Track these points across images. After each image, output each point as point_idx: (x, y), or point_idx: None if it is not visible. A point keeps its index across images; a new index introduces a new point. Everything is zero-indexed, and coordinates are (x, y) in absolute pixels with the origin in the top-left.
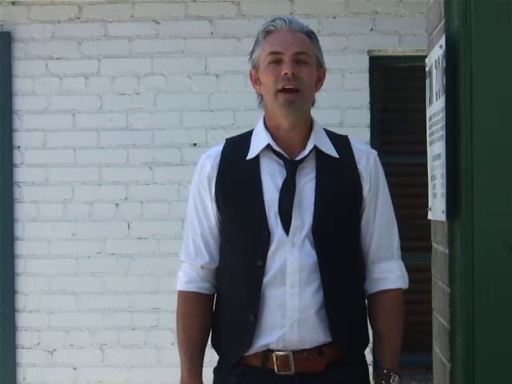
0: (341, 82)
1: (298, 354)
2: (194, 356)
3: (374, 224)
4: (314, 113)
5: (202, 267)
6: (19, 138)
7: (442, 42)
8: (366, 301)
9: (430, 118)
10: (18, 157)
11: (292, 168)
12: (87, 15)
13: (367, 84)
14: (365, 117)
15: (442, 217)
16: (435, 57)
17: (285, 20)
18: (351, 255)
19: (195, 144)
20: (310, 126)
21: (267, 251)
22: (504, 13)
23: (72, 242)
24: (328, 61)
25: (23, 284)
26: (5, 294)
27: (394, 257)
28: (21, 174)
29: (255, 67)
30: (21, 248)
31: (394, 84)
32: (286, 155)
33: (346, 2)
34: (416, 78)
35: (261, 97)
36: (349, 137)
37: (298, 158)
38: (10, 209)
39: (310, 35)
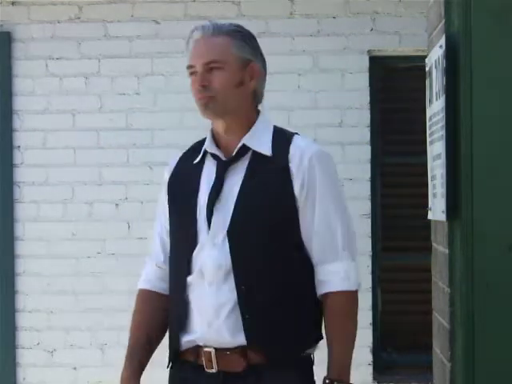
0: (341, 82)
1: (220, 351)
2: (134, 354)
3: (313, 224)
4: (314, 113)
5: (158, 266)
6: (19, 138)
7: (442, 41)
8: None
9: (430, 118)
10: (17, 157)
11: (220, 168)
12: (87, 15)
13: (367, 84)
14: (365, 117)
15: (442, 217)
16: (435, 57)
17: (202, 27)
18: (278, 256)
19: None
20: (250, 126)
21: (192, 252)
22: (504, 13)
23: (72, 241)
24: (328, 61)
25: (23, 284)
26: (5, 294)
27: (338, 258)
28: (21, 174)
29: None
30: (21, 248)
31: (394, 84)
32: (220, 156)
33: (346, 2)
34: (416, 78)
35: None
36: (296, 135)
37: (226, 159)
38: (9, 209)
39: (232, 34)
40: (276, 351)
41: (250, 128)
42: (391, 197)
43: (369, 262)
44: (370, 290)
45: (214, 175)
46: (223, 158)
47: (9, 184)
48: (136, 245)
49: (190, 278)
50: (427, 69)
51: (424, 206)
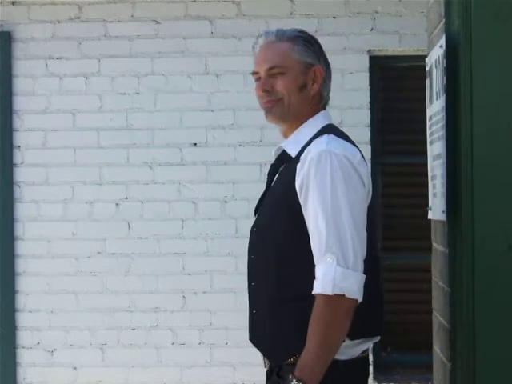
0: (341, 82)
1: None
2: None
3: (309, 227)
4: None
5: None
6: (19, 138)
7: (442, 41)
8: None
9: (430, 118)
10: (18, 157)
11: (270, 172)
12: (87, 15)
13: (367, 84)
14: (365, 117)
15: (442, 217)
16: (435, 56)
17: (265, 34)
18: (278, 259)
19: (195, 144)
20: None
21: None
22: (504, 13)
23: (72, 241)
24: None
25: (23, 284)
26: (5, 294)
27: (319, 261)
28: (21, 174)
29: None
30: (21, 248)
31: (393, 84)
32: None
33: (346, 1)
34: (416, 77)
35: None
36: (322, 136)
37: (274, 162)
38: (9, 209)
39: (294, 39)
40: (275, 358)
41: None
42: (391, 197)
43: None
44: None
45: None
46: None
47: (9, 184)
48: (136, 245)
49: None
50: (427, 68)
51: (424, 206)
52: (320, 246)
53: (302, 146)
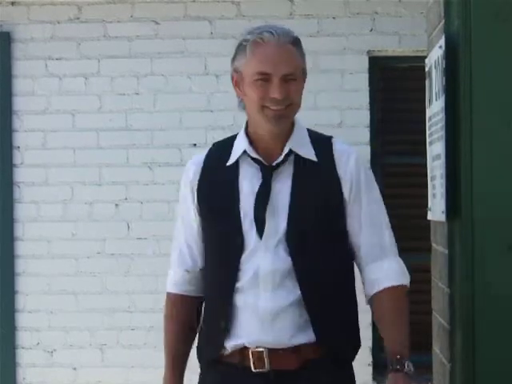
0: (340, 83)
1: (273, 351)
2: (176, 364)
3: (361, 225)
4: (314, 113)
5: (187, 271)
6: (19, 139)
7: (442, 42)
8: (370, 304)
9: (430, 119)
10: (17, 157)
11: (267, 173)
12: (87, 15)
13: (367, 84)
14: (364, 117)
15: (442, 217)
16: (435, 57)
17: (272, 32)
18: (333, 257)
19: (195, 144)
20: (291, 129)
21: (240, 257)
22: (504, 13)
23: (72, 242)
24: (328, 61)
25: (23, 284)
26: (5, 294)
27: (387, 255)
28: (21, 175)
29: (237, 73)
30: (21, 248)
31: (393, 84)
32: (263, 161)
33: (346, 2)
34: (416, 78)
35: (241, 99)
36: (332, 138)
37: (273, 164)
38: (9, 209)
39: (296, 43)
40: (338, 350)
41: (289, 131)
42: (391, 197)
43: None
44: None
45: (258, 180)
46: (265, 163)
47: (9, 184)
48: (136, 245)
49: (239, 284)
50: (427, 69)
51: (424, 206)
52: (384, 242)
53: (312, 150)
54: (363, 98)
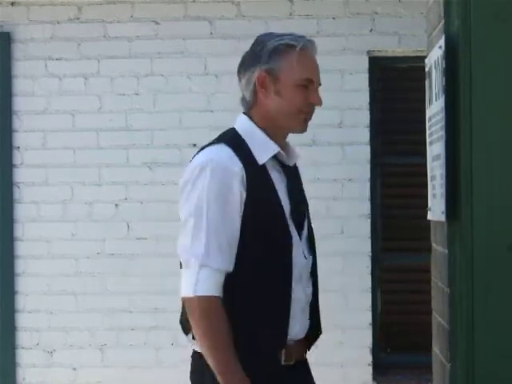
0: (340, 83)
1: (297, 343)
2: (235, 353)
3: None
4: (314, 113)
5: (226, 272)
6: (19, 139)
7: (442, 42)
8: None
9: (430, 119)
10: (17, 157)
11: (291, 173)
12: (87, 16)
13: (367, 84)
14: (364, 117)
15: (442, 217)
16: (435, 57)
17: (310, 41)
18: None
19: (195, 144)
20: None
21: (291, 254)
22: (504, 13)
23: (72, 242)
24: (328, 61)
25: (23, 284)
26: (5, 294)
27: None
28: (20, 175)
29: (271, 75)
30: (21, 248)
31: (393, 84)
32: (286, 161)
33: (346, 2)
34: (415, 78)
35: (254, 97)
36: None
37: (292, 165)
38: (9, 209)
39: None
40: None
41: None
42: (391, 197)
43: (368, 263)
44: (370, 290)
45: (282, 178)
46: (289, 164)
47: (8, 184)
48: (136, 245)
49: (293, 279)
50: (427, 69)
51: (424, 206)
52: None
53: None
54: (363, 98)
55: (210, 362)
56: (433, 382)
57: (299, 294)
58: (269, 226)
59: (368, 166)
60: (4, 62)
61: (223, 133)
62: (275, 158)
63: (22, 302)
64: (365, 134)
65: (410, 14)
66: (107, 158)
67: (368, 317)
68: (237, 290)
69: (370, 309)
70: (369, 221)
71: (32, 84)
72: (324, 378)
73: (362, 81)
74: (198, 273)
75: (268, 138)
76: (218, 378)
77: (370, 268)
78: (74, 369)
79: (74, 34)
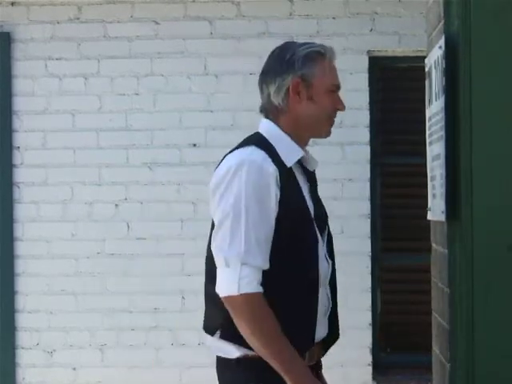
0: (340, 83)
1: (317, 345)
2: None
3: None
4: None
5: (264, 270)
6: (19, 139)
7: (442, 42)
8: None
9: (430, 119)
10: (17, 157)
11: (311, 179)
12: (87, 16)
13: (367, 84)
14: (364, 117)
15: (442, 217)
16: (435, 57)
17: (332, 49)
18: None
19: (195, 144)
20: None
21: (317, 256)
22: (504, 13)
23: (72, 242)
24: None
25: (23, 284)
26: (5, 294)
27: None
28: (20, 175)
29: (305, 81)
30: (20, 248)
31: (393, 84)
32: (308, 166)
33: (346, 2)
34: (415, 78)
35: (286, 103)
36: None
37: (312, 170)
38: (9, 209)
39: None
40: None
41: None
42: (391, 197)
43: (368, 263)
44: (370, 290)
45: (305, 182)
46: (310, 169)
47: (8, 184)
48: (136, 245)
49: (319, 280)
50: (427, 69)
51: (424, 206)
52: None
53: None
54: (363, 97)
55: (271, 360)
56: (433, 381)
57: (323, 297)
58: (298, 228)
59: (368, 166)
60: (4, 62)
61: (249, 136)
62: (298, 162)
63: (22, 301)
64: (365, 134)
65: (409, 14)
66: (107, 158)
67: (368, 317)
68: (267, 291)
69: (370, 309)
70: (369, 221)
71: (32, 84)
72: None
73: (362, 81)
74: (240, 271)
75: (294, 142)
76: (286, 377)
77: (369, 268)
78: (74, 369)
79: (74, 34)
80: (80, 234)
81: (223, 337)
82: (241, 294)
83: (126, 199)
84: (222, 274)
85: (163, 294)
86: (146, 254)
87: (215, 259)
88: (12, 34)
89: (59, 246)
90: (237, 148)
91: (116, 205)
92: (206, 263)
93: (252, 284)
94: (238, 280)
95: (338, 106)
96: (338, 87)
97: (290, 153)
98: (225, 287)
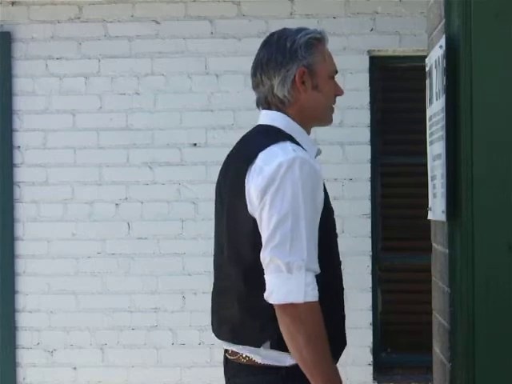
0: (341, 82)
1: None
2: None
3: None
4: None
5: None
6: (19, 138)
7: (442, 42)
8: None
9: (430, 118)
10: (18, 157)
11: None
12: (87, 15)
13: (367, 84)
14: (365, 117)
15: (442, 217)
16: (435, 57)
17: (326, 34)
18: None
19: (195, 144)
20: None
21: (339, 255)
22: (504, 13)
23: (72, 242)
24: None
25: (23, 284)
26: (5, 294)
27: None
28: (21, 174)
29: (308, 68)
30: (21, 248)
31: (393, 84)
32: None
33: (346, 2)
34: (416, 78)
35: (292, 94)
36: None
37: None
38: (10, 209)
39: None
40: None
41: None
42: (391, 197)
43: (369, 262)
44: (370, 290)
45: None
46: None
47: (9, 184)
48: (136, 245)
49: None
50: (427, 69)
51: (424, 207)
52: None
53: None
54: (363, 97)
55: (315, 373)
56: (433, 381)
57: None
58: (331, 228)
59: (368, 166)
60: (4, 62)
61: (269, 131)
62: None
63: (22, 301)
64: (365, 134)
65: (410, 14)
66: (107, 157)
67: (368, 316)
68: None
69: (371, 308)
70: (369, 220)
71: (32, 83)
72: None
73: (363, 80)
74: (305, 277)
75: (310, 138)
76: None
77: (370, 267)
78: (75, 368)
79: (75, 34)
80: (80, 233)
81: (275, 347)
82: (305, 303)
83: (126, 199)
84: (282, 280)
85: (164, 294)
86: (147, 253)
87: (268, 264)
88: (12, 33)
89: (60, 245)
90: (266, 143)
91: (116, 204)
92: (238, 272)
93: (315, 291)
94: (304, 287)
95: (338, 91)
96: (337, 72)
97: (310, 147)
98: (287, 295)
